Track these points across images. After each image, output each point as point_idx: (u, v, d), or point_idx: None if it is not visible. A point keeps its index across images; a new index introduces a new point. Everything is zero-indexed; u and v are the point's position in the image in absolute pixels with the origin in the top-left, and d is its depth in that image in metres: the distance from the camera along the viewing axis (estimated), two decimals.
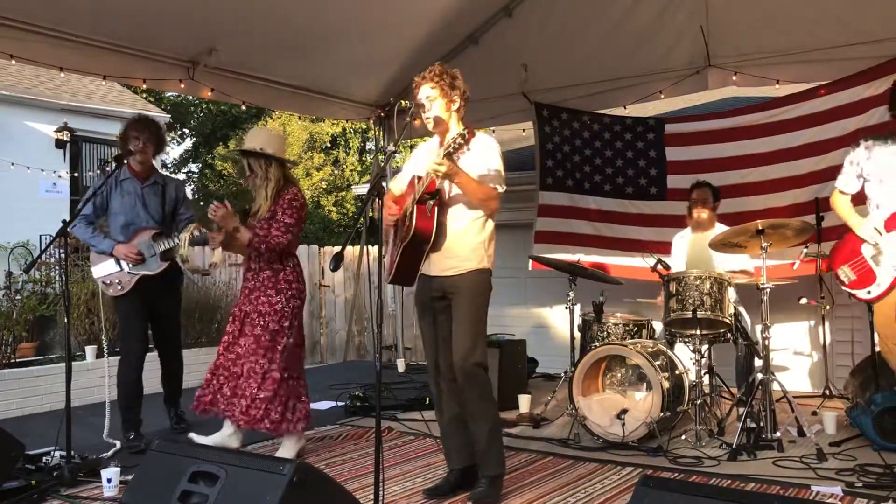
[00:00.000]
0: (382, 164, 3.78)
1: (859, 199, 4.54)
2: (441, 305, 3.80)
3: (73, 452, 4.17)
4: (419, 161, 3.87)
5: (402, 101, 3.57)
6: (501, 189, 3.68)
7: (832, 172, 5.88)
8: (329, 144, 21.71)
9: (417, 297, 3.92)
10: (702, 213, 5.55)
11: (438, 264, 3.75)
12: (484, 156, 3.69)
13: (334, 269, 3.11)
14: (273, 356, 4.30)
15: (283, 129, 20.43)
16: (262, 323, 4.31)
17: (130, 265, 4.88)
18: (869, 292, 4.35)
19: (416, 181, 3.72)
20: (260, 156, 4.33)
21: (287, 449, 4.47)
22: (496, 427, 3.80)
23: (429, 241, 3.67)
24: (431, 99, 3.72)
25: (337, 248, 12.88)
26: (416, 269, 3.78)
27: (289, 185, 4.42)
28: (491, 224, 3.79)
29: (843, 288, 4.50)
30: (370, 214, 4.19)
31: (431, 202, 3.63)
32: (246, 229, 4.28)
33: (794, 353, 6.95)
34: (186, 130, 23.29)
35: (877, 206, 4.35)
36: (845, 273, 4.43)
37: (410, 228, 3.65)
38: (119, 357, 5.06)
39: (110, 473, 3.87)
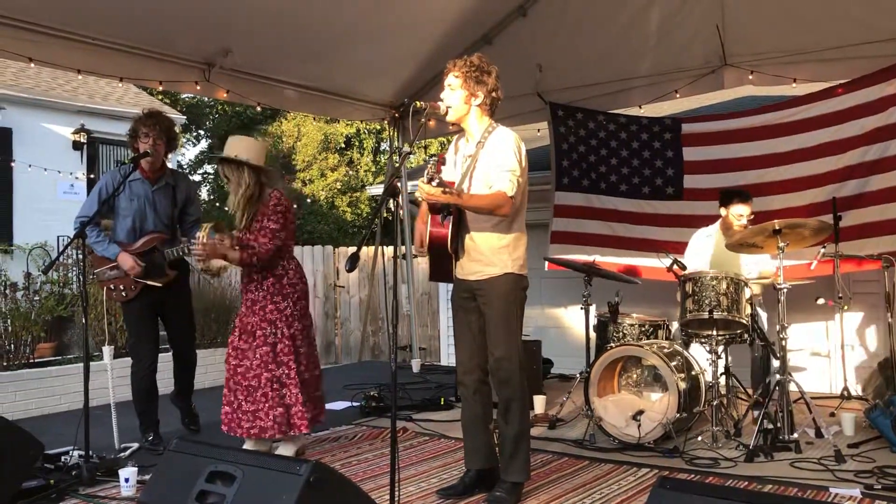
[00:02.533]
0: (397, 164, 3.77)
1: None
2: (471, 306, 3.82)
3: (91, 452, 4.21)
4: (449, 161, 3.90)
5: (417, 102, 3.55)
6: (510, 193, 3.56)
7: (850, 172, 5.88)
8: (343, 145, 21.73)
9: (452, 296, 3.96)
10: (744, 226, 5.30)
11: (465, 268, 3.79)
12: (495, 153, 3.65)
13: (350, 270, 3.11)
14: (299, 359, 4.32)
15: (297, 130, 20.50)
16: (274, 331, 4.29)
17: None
18: None
19: None
20: (232, 162, 4.32)
21: (287, 447, 4.44)
22: (524, 433, 3.78)
23: (445, 248, 3.69)
24: (452, 87, 3.70)
25: (352, 249, 12.93)
26: (449, 269, 3.82)
27: (267, 190, 4.37)
28: (515, 229, 3.75)
29: None
30: (384, 215, 4.18)
31: (445, 213, 3.64)
32: (234, 250, 4.23)
33: (810, 353, 6.90)
34: (202, 132, 23.41)
35: None
36: None
37: (428, 237, 3.70)
38: (131, 361, 5.04)
39: (128, 473, 3.90)
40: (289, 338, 4.31)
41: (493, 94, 3.71)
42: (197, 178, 22.51)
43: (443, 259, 3.77)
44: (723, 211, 5.52)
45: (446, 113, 3.71)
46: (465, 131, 3.81)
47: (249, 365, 4.29)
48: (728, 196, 5.52)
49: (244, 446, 4.37)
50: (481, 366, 3.83)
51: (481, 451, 3.88)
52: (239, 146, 4.37)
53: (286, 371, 4.27)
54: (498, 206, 3.57)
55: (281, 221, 4.30)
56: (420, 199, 3.56)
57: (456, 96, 3.68)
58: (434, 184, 3.40)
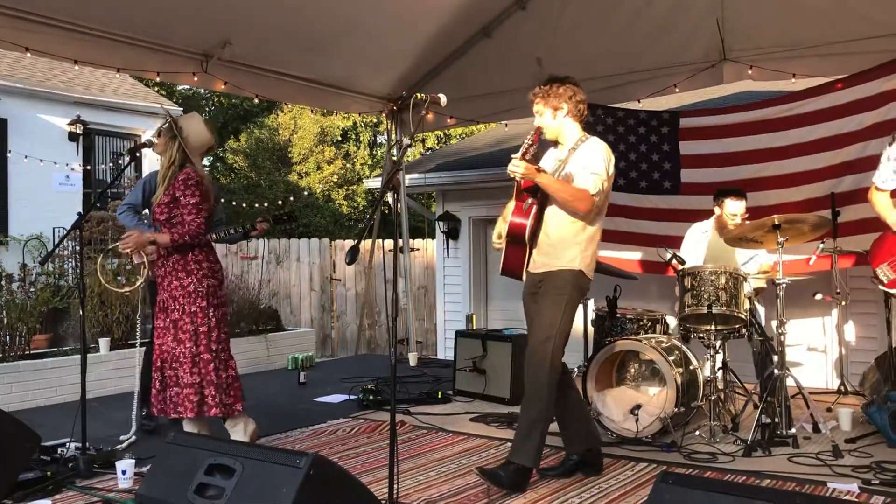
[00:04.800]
0: (396, 157, 3.77)
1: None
2: (535, 301, 3.92)
3: (87, 444, 4.20)
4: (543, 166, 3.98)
5: (418, 95, 3.55)
6: (593, 191, 3.71)
7: (848, 167, 5.87)
8: (340, 138, 21.69)
9: (523, 293, 4.05)
10: (738, 223, 5.29)
11: (536, 261, 3.90)
12: (583, 157, 3.80)
13: (350, 262, 3.11)
14: (198, 339, 4.25)
15: (294, 123, 20.44)
16: (177, 307, 4.26)
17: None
18: None
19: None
20: (172, 131, 4.33)
21: (239, 433, 4.39)
22: (537, 422, 3.80)
23: (522, 238, 3.80)
24: (539, 113, 3.90)
25: (349, 242, 12.93)
26: (521, 264, 3.90)
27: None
28: (591, 229, 3.86)
29: (882, 288, 4.44)
30: (382, 208, 4.16)
31: (530, 200, 3.77)
32: (160, 234, 4.26)
33: (808, 348, 6.91)
34: (196, 114, 23.33)
35: None
36: (884, 272, 4.38)
37: (506, 227, 3.81)
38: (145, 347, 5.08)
39: (125, 465, 3.89)
40: (189, 315, 4.24)
41: (574, 99, 3.88)
42: None
43: (516, 252, 3.87)
44: (716, 209, 5.51)
45: (545, 133, 3.90)
46: (559, 141, 3.96)
47: (167, 342, 4.29)
48: (721, 194, 5.50)
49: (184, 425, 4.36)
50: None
51: (574, 437, 4.06)
52: (189, 121, 4.40)
53: (182, 349, 4.22)
54: (579, 199, 3.71)
55: (198, 195, 4.26)
56: (510, 173, 3.66)
57: (546, 118, 3.89)
58: (527, 157, 3.60)
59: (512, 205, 3.91)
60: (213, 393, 4.25)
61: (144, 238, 4.26)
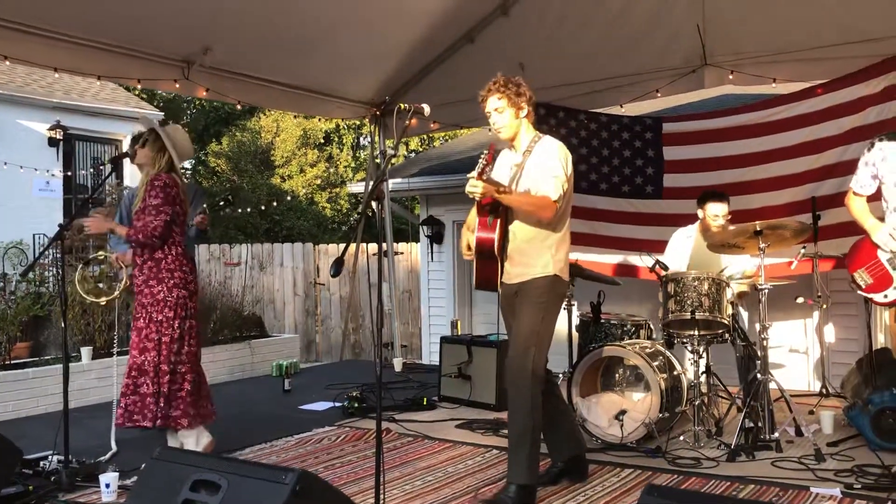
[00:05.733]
0: (381, 166, 3.77)
1: (874, 197, 4.51)
2: (513, 311, 3.89)
3: (70, 457, 4.16)
4: (497, 173, 3.89)
5: (401, 105, 3.54)
6: (555, 196, 3.65)
7: (829, 171, 5.93)
8: (323, 141, 21.64)
9: (500, 304, 4.02)
10: (720, 226, 5.34)
11: (509, 272, 3.85)
12: (541, 160, 3.73)
13: (335, 275, 3.09)
14: (160, 349, 4.23)
15: (276, 126, 20.37)
16: (144, 315, 4.26)
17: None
18: (886, 296, 4.33)
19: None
20: (163, 143, 4.37)
21: (191, 447, 4.33)
22: (527, 434, 3.75)
23: (492, 252, 3.75)
24: (500, 110, 3.77)
25: (332, 246, 12.84)
26: (494, 277, 3.86)
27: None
28: (559, 232, 3.81)
29: (860, 293, 4.47)
30: (369, 214, 4.16)
31: (492, 216, 3.71)
32: (120, 226, 4.32)
33: (789, 350, 6.97)
34: (180, 127, 23.20)
35: (894, 210, 4.32)
36: (861, 277, 4.41)
37: (474, 241, 3.76)
38: None
39: (108, 478, 3.86)
40: (156, 323, 4.24)
41: (531, 101, 3.83)
42: None
43: (488, 266, 3.83)
44: (700, 213, 5.55)
45: (505, 137, 3.83)
46: (513, 143, 3.88)
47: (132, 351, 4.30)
48: (704, 197, 5.54)
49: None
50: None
51: (559, 443, 4.04)
52: (176, 134, 4.46)
53: (147, 358, 4.21)
54: (542, 207, 3.66)
55: (161, 196, 4.25)
56: (469, 194, 3.58)
57: (506, 116, 3.78)
58: (484, 178, 3.50)
59: (475, 215, 3.86)
60: (163, 405, 4.23)
61: (105, 224, 4.33)
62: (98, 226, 4.32)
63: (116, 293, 4.54)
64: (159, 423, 4.24)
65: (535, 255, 3.77)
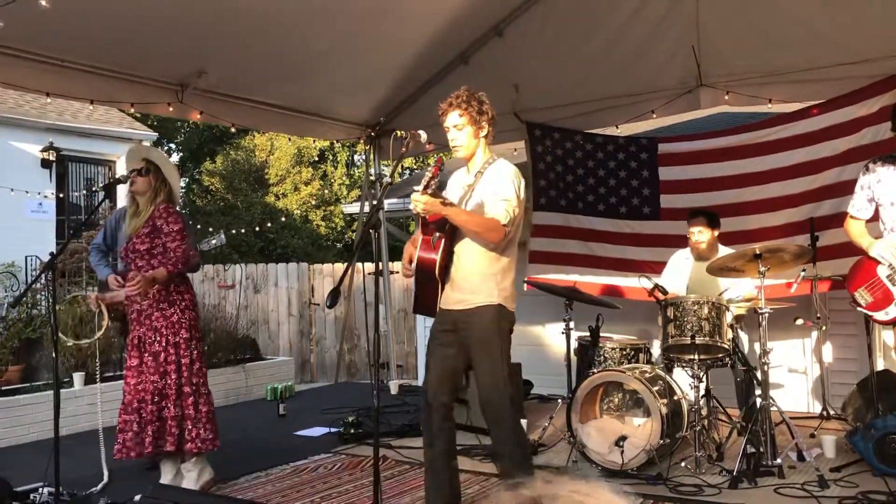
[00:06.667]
0: (379, 195, 3.72)
1: (872, 219, 4.50)
2: (449, 340, 3.69)
3: (61, 489, 4.06)
4: (449, 193, 3.80)
5: (398, 132, 3.52)
6: (504, 220, 3.50)
7: (826, 191, 5.91)
8: (317, 158, 21.62)
9: (432, 328, 3.82)
10: (700, 244, 5.48)
11: (450, 297, 3.65)
12: (492, 182, 3.61)
13: (331, 307, 3.05)
14: (181, 371, 4.22)
15: (270, 144, 20.35)
16: (159, 339, 4.23)
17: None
18: (887, 314, 4.31)
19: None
20: (161, 174, 4.41)
21: (191, 480, 4.31)
22: (526, 464, 3.69)
23: (432, 274, 3.56)
24: (459, 127, 3.64)
25: (327, 266, 12.70)
26: (434, 300, 3.67)
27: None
28: (505, 259, 3.64)
29: (861, 310, 4.45)
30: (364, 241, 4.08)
31: (437, 234, 3.54)
32: (159, 270, 4.22)
33: (788, 370, 6.92)
34: (173, 146, 23.16)
35: (891, 230, 4.30)
36: (862, 296, 4.39)
37: (416, 260, 3.59)
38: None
39: None
40: (173, 346, 4.23)
41: (492, 122, 3.71)
42: None
43: (427, 288, 3.66)
44: (689, 235, 5.58)
45: (461, 152, 3.70)
46: (470, 164, 3.76)
47: (147, 379, 4.21)
48: (688, 216, 5.66)
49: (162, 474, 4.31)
50: (448, 403, 3.74)
51: (444, 486, 3.75)
52: (172, 174, 4.49)
53: (168, 381, 4.18)
54: (489, 229, 3.50)
55: (181, 221, 4.34)
56: (413, 209, 3.43)
57: (464, 134, 3.64)
58: (429, 191, 3.33)
59: (419, 235, 3.68)
60: (190, 427, 4.21)
61: (147, 278, 4.19)
62: (145, 285, 4.18)
63: (99, 334, 4.50)
64: (187, 448, 4.22)
65: (479, 281, 3.58)
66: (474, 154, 3.71)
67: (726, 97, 6.34)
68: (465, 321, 3.61)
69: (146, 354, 4.22)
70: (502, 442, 3.66)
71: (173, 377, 4.19)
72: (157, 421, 4.16)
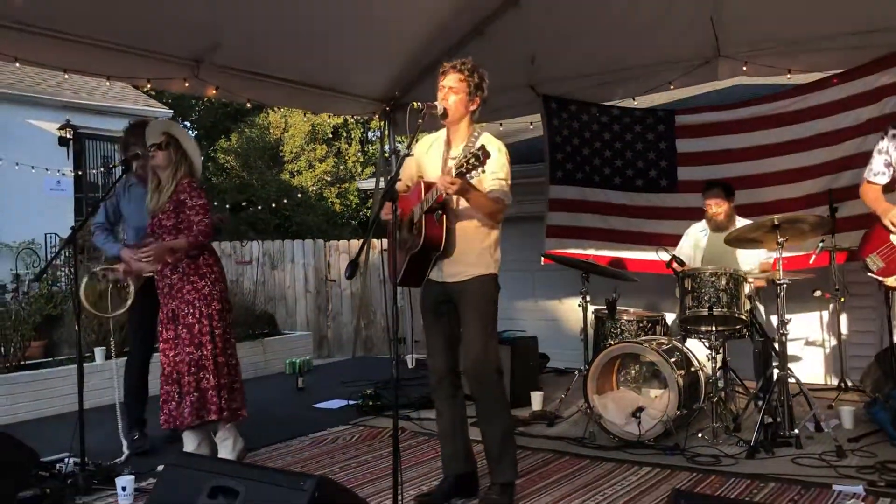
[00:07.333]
0: (397, 167, 3.72)
1: (888, 188, 4.48)
2: (445, 310, 3.79)
3: (86, 459, 4.15)
4: (428, 160, 3.82)
5: (414, 104, 3.51)
6: (508, 201, 3.65)
7: (846, 162, 5.85)
8: (331, 136, 21.59)
9: (423, 301, 3.88)
10: (718, 216, 5.47)
11: (445, 269, 3.74)
12: (492, 166, 3.59)
13: (350, 277, 3.07)
14: (215, 342, 4.26)
15: (284, 122, 20.34)
16: (192, 311, 4.26)
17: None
18: None
19: (422, 188, 3.65)
20: (180, 147, 4.41)
21: (227, 449, 4.38)
22: (509, 432, 3.79)
23: (439, 248, 3.67)
24: (455, 90, 3.66)
25: (343, 242, 12.75)
26: (424, 273, 3.78)
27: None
28: (495, 230, 3.77)
29: (871, 275, 4.44)
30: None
31: (439, 212, 3.63)
32: (179, 240, 4.25)
33: (805, 343, 6.90)
34: (189, 123, 23.22)
35: None
36: (874, 261, 4.38)
37: (420, 237, 3.63)
38: (126, 357, 5.13)
39: (125, 482, 3.84)
40: (206, 317, 4.26)
41: (484, 99, 3.74)
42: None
43: (421, 262, 3.73)
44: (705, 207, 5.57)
45: (443, 113, 3.66)
46: (452, 133, 3.77)
47: (181, 351, 4.25)
48: (703, 188, 5.66)
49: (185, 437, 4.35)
50: (455, 370, 3.84)
51: (460, 454, 3.85)
52: (193, 148, 4.49)
53: (203, 353, 4.22)
54: (496, 211, 3.65)
55: (204, 196, 4.35)
56: (444, 190, 3.43)
57: (457, 100, 3.66)
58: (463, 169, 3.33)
59: (401, 187, 3.80)
60: (227, 397, 4.29)
61: (164, 247, 4.24)
62: (158, 251, 4.22)
63: (126, 306, 4.54)
64: (226, 416, 4.28)
65: (476, 254, 3.70)
66: (458, 126, 3.73)
67: (744, 68, 6.26)
68: (462, 289, 3.71)
69: (181, 327, 4.26)
70: (489, 398, 3.72)
71: (209, 348, 4.23)
72: (196, 391, 4.21)
